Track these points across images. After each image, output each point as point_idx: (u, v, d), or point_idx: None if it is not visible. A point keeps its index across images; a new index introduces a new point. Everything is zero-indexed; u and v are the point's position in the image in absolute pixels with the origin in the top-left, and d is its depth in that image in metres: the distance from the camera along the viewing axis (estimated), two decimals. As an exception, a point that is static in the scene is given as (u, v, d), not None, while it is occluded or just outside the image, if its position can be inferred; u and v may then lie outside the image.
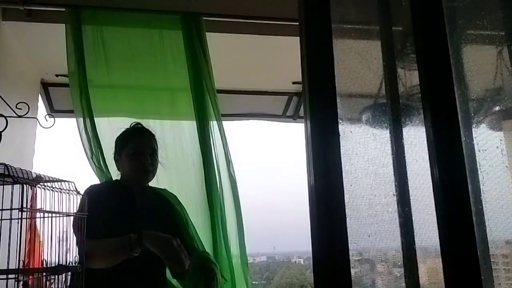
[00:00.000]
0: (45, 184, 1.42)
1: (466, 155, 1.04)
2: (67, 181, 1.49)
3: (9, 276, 1.18)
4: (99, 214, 1.50)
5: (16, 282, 1.15)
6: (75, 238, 1.46)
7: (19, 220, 1.27)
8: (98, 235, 1.56)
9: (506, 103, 1.27)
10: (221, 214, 2.11)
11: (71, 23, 2.13)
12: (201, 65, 2.19)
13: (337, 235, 0.95)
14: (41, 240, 1.56)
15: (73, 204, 1.49)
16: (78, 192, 1.51)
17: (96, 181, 2.12)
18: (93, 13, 2.20)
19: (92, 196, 1.51)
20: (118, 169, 1.87)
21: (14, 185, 1.31)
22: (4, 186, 1.37)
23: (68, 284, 1.32)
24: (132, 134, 1.86)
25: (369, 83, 1.19)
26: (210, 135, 2.16)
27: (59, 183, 1.47)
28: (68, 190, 1.46)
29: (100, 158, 2.08)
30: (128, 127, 1.91)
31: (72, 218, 1.46)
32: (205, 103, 2.18)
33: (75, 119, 2.13)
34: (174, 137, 2.20)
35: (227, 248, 2.08)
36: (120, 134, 1.88)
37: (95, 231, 1.45)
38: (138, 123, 1.92)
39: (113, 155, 1.88)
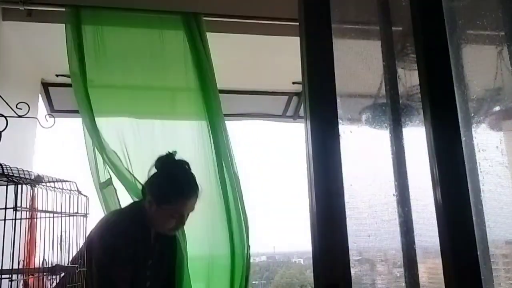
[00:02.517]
0: (46, 184, 1.42)
1: (466, 155, 1.04)
2: (69, 181, 1.49)
3: (3, 276, 1.18)
4: (121, 243, 1.53)
5: (10, 282, 1.15)
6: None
7: (15, 220, 1.27)
8: (117, 262, 1.58)
9: (506, 103, 1.27)
10: (236, 212, 2.12)
11: (71, 23, 2.13)
12: (206, 65, 2.20)
13: (337, 235, 0.95)
14: (39, 240, 1.56)
15: (75, 204, 1.49)
16: (79, 192, 1.50)
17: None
18: (94, 13, 2.20)
19: (116, 225, 1.56)
20: (146, 202, 1.72)
21: (13, 185, 1.31)
22: (4, 186, 1.36)
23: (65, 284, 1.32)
24: (181, 194, 1.70)
25: (369, 83, 1.19)
26: (220, 133, 2.17)
27: (61, 183, 1.47)
28: (70, 190, 1.46)
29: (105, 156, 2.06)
30: (174, 163, 1.73)
31: (73, 218, 1.46)
32: (212, 102, 2.18)
33: (75, 119, 2.14)
34: (174, 136, 2.20)
35: (243, 245, 2.07)
36: (165, 180, 1.71)
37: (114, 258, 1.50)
38: (185, 163, 1.74)
39: (146, 191, 1.73)
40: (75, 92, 2.11)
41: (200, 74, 2.21)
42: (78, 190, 1.49)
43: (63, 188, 1.44)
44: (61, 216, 1.44)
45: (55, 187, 1.44)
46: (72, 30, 2.14)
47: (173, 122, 2.25)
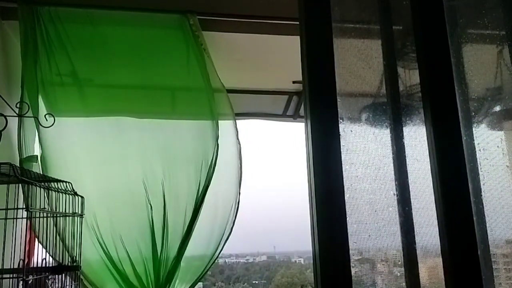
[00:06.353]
0: (43, 183, 1.42)
1: (467, 155, 1.04)
2: (65, 181, 1.49)
3: (5, 275, 1.18)
4: None
5: (11, 280, 1.15)
6: None
7: (21, 220, 1.27)
8: None
9: (507, 102, 1.27)
10: None
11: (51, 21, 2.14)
12: (207, 64, 2.20)
13: (337, 235, 0.95)
14: (40, 239, 1.56)
15: (70, 204, 1.49)
16: (75, 193, 1.51)
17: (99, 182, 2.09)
18: (90, 12, 2.20)
19: None
20: None
21: (11, 184, 1.31)
22: (6, 185, 1.36)
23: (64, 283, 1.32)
24: None
25: (370, 82, 1.19)
26: (217, 133, 2.17)
27: (56, 183, 1.48)
28: (65, 191, 1.47)
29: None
30: None
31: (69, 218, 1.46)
32: (214, 101, 2.18)
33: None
34: (174, 136, 2.20)
35: None
36: None
37: None
38: None
39: None
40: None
41: (204, 74, 2.21)
42: (73, 191, 1.50)
43: (59, 188, 1.44)
44: (60, 216, 1.44)
45: (51, 187, 1.44)
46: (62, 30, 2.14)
47: (172, 122, 2.25)
